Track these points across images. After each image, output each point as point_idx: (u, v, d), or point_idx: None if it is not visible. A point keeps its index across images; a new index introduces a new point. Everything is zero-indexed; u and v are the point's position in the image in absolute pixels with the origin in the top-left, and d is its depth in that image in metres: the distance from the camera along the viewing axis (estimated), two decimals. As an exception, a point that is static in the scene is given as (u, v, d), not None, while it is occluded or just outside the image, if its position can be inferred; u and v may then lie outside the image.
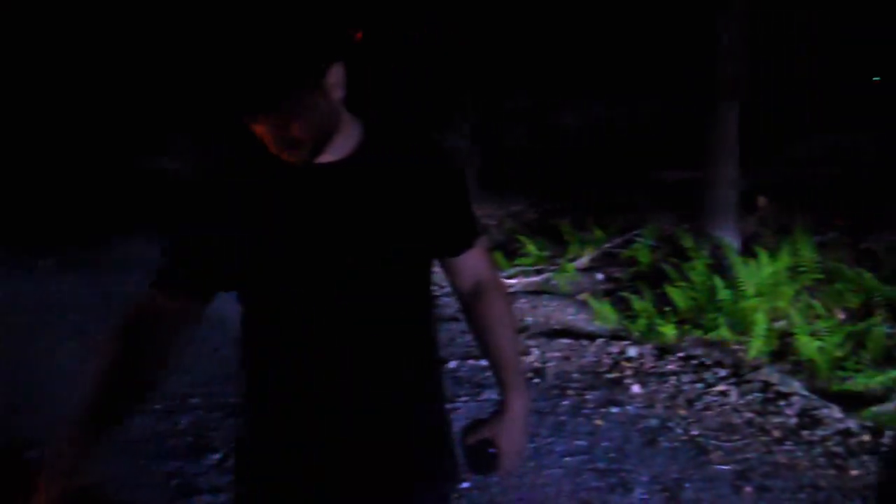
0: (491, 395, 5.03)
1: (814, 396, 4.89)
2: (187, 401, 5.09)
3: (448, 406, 2.08)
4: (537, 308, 6.75)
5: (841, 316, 5.84)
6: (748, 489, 3.95)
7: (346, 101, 1.69)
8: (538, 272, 7.37)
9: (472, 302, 1.98)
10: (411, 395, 1.87)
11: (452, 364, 5.57)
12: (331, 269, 1.72)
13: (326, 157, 1.70)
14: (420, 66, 9.82)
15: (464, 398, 5.04)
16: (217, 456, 4.41)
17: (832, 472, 4.08)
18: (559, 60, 9.80)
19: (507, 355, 1.96)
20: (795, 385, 5.05)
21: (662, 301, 6.29)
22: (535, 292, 7.07)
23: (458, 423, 2.00)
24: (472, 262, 1.96)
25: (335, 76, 1.60)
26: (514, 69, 10.07)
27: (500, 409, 1.93)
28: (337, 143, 1.70)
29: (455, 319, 5.88)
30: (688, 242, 6.87)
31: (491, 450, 1.89)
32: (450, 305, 5.66)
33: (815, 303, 5.88)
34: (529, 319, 6.52)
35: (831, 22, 7.07)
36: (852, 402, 4.77)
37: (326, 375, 1.77)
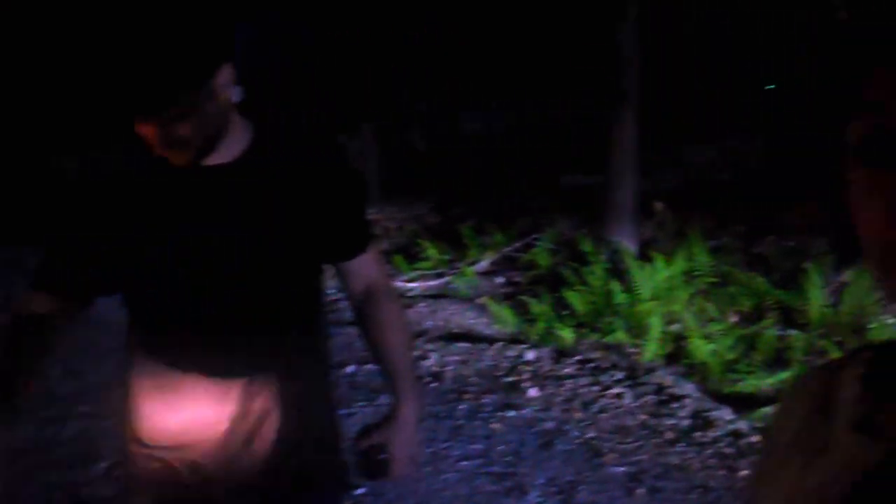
0: (388, 400, 4.95)
1: (706, 398, 4.95)
2: (75, 408, 4.87)
3: (345, 411, 2.08)
4: (437, 312, 6.70)
5: (734, 319, 5.94)
6: (640, 491, 3.97)
7: (241, 103, 1.68)
8: (438, 276, 7.32)
9: (363, 307, 1.96)
10: (299, 400, 1.85)
11: (350, 369, 5.47)
12: (215, 273, 1.70)
13: (214, 159, 1.68)
14: (326, 70, 9.72)
15: (361, 403, 4.95)
16: (104, 465, 4.22)
17: (722, 472, 4.12)
18: (466, 66, 9.81)
19: (399, 360, 1.95)
20: (688, 387, 5.11)
21: (561, 305, 6.31)
22: (435, 296, 7.02)
23: (355, 428, 1.97)
24: (365, 266, 1.94)
25: (223, 77, 1.58)
26: (420, 74, 10.05)
27: (391, 414, 1.91)
28: (225, 144, 1.68)
29: (353, 324, 5.77)
30: (587, 247, 6.91)
31: (383, 455, 1.87)
32: (347, 309, 5.56)
33: (709, 306, 5.96)
34: (429, 323, 6.46)
35: (728, 31, 7.22)
36: (743, 403, 4.84)
37: (213, 379, 1.75)
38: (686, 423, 4.69)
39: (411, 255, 7.67)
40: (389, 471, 1.88)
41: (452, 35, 9.76)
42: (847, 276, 5.95)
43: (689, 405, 4.88)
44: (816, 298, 5.63)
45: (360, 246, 1.92)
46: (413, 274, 7.37)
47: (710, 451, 4.34)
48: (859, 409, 0.78)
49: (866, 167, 0.66)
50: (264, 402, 1.78)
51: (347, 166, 1.86)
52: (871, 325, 5.37)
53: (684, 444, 4.44)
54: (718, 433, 4.52)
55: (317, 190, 1.77)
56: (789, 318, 5.76)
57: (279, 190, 1.73)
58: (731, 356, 5.30)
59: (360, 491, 3.90)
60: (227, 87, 1.59)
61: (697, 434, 4.53)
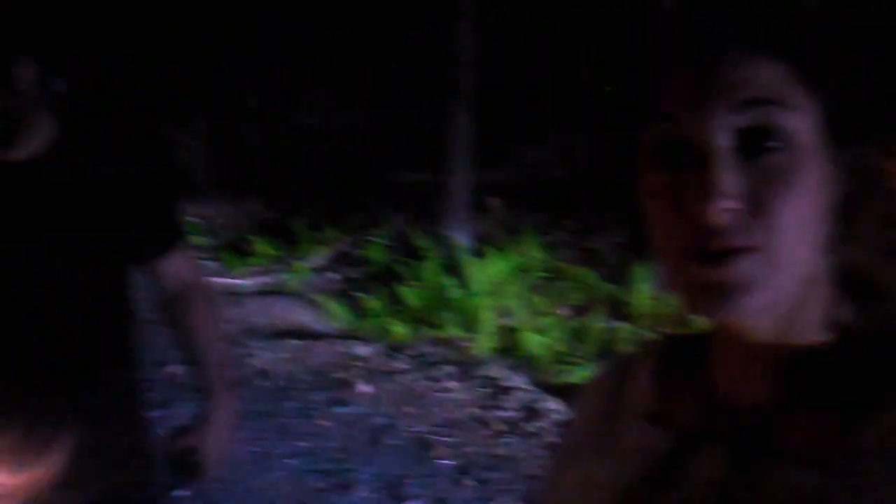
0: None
1: (536, 390, 4.99)
2: None
3: (166, 412, 2.01)
4: (267, 309, 6.50)
5: (564, 312, 6.02)
6: (469, 482, 3.94)
7: (60, 97, 1.67)
8: (270, 272, 7.12)
9: (174, 307, 1.92)
10: (105, 400, 1.78)
11: (172, 368, 5.20)
12: (14, 270, 1.65)
13: (15, 155, 1.63)
14: (155, 63, 9.34)
15: (183, 403, 4.71)
16: None
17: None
18: (301, 61, 9.61)
19: (211, 360, 1.91)
20: (519, 379, 5.14)
21: (395, 300, 6.24)
22: (267, 293, 6.82)
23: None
24: (175, 265, 1.89)
25: (25, 73, 1.55)
26: (253, 67, 9.79)
27: (203, 414, 1.87)
28: (28, 141, 1.63)
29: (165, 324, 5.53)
30: (421, 242, 6.87)
31: (195, 457, 1.84)
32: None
33: (541, 300, 6.04)
34: (259, 320, 6.25)
35: (563, 32, 7.34)
36: (572, 394, 4.88)
37: (13, 379, 1.68)
38: (515, 414, 4.71)
39: (242, 252, 7.43)
40: (202, 472, 1.85)
41: (287, 28, 9.56)
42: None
43: (519, 397, 4.90)
44: (643, 292, 5.77)
45: (169, 244, 1.87)
46: (243, 270, 7.13)
47: (537, 442, 4.36)
48: (649, 400, 0.82)
49: (657, 172, 0.68)
50: (69, 401, 1.71)
51: (158, 162, 1.85)
52: (693, 317, 5.54)
53: (513, 436, 4.45)
54: (546, 424, 4.55)
55: (122, 187, 1.72)
56: (617, 310, 5.89)
57: (82, 186, 1.68)
58: (560, 348, 5.38)
59: (184, 493, 3.71)
60: (29, 83, 1.56)
61: (526, 425, 4.55)
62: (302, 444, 4.37)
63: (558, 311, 6.00)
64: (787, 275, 0.66)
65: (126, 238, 1.75)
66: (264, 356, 5.55)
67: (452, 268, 6.49)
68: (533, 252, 6.59)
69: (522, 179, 8.38)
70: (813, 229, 0.67)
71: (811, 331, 0.71)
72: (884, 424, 0.66)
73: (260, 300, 6.64)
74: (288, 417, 4.69)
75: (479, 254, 6.63)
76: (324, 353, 5.62)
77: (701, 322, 0.83)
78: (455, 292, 6.08)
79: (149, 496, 1.92)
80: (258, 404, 4.77)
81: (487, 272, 6.24)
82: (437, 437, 4.41)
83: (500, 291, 6.11)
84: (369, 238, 7.44)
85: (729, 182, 0.63)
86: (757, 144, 0.64)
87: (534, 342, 5.38)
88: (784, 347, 0.71)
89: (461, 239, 6.98)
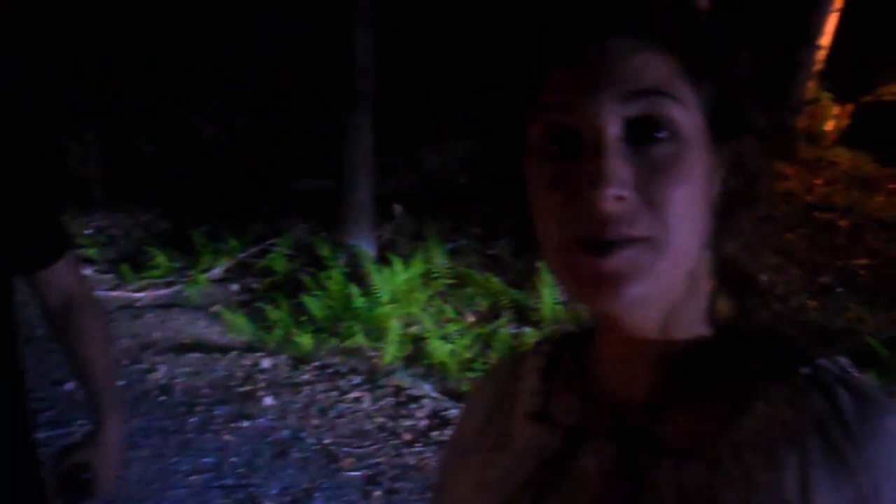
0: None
1: (444, 398, 4.96)
2: None
3: (63, 430, 1.92)
4: (167, 322, 6.31)
5: (471, 319, 6.02)
6: (377, 493, 3.90)
7: None
8: (168, 284, 6.92)
9: (61, 320, 1.83)
10: None
11: (69, 386, 5.01)
12: None
13: None
14: (47, 70, 9.02)
15: (81, 422, 4.53)
16: None
17: (459, 469, 4.12)
18: (200, 67, 9.42)
19: (100, 376, 1.84)
20: (427, 388, 5.10)
21: (299, 311, 6.14)
22: (165, 306, 6.61)
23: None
24: (60, 276, 1.80)
25: None
26: (148, 75, 9.54)
27: (93, 431, 1.81)
28: None
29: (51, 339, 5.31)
30: (324, 251, 6.78)
31: (86, 475, 1.76)
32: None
33: (447, 307, 6.02)
34: (157, 334, 6.06)
35: (460, 35, 7.37)
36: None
37: None
38: (424, 423, 4.67)
39: (139, 264, 7.19)
40: (93, 491, 1.78)
41: (185, 35, 9.36)
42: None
43: (428, 405, 4.87)
44: (548, 296, 5.81)
45: (54, 255, 1.77)
46: (141, 283, 6.91)
47: (447, 450, 4.32)
48: (536, 400, 0.82)
49: (545, 164, 0.69)
50: None
51: (35, 170, 1.76)
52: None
53: (421, 445, 4.41)
54: (455, 431, 4.52)
55: (5, 193, 1.63)
56: (523, 315, 5.92)
57: None
58: (468, 355, 5.37)
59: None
60: None
61: (435, 433, 4.52)
62: (205, 459, 4.24)
63: (465, 318, 6.00)
64: (672, 266, 0.67)
65: (7, 247, 1.66)
66: (165, 371, 5.38)
67: (357, 276, 6.42)
68: (438, 259, 6.57)
69: (425, 186, 8.37)
70: (698, 222, 0.68)
71: (692, 324, 0.73)
72: (759, 415, 0.67)
73: (159, 313, 6.44)
74: (190, 433, 4.55)
75: (383, 262, 6.57)
76: (227, 367, 5.48)
77: (588, 319, 0.84)
78: (360, 301, 6.01)
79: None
80: (159, 420, 4.65)
81: (392, 280, 6.20)
82: (344, 449, 4.34)
83: (406, 299, 6.07)
84: (271, 248, 7.30)
85: (618, 170, 0.64)
86: (645, 134, 0.65)
87: (441, 350, 5.36)
88: (666, 341, 0.73)
89: (365, 247, 6.93)
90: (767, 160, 0.73)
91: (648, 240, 0.65)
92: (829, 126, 8.50)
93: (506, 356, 0.95)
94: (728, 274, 0.74)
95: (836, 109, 8.61)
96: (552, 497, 0.74)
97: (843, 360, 0.69)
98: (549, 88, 0.68)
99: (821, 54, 7.97)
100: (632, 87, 0.65)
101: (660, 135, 0.65)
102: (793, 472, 0.64)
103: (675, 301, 0.71)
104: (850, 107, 8.64)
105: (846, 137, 8.39)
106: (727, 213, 0.71)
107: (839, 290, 5.63)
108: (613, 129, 0.64)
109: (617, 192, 0.63)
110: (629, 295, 0.65)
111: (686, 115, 0.66)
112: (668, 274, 0.67)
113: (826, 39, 7.03)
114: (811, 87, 8.30)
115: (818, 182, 7.64)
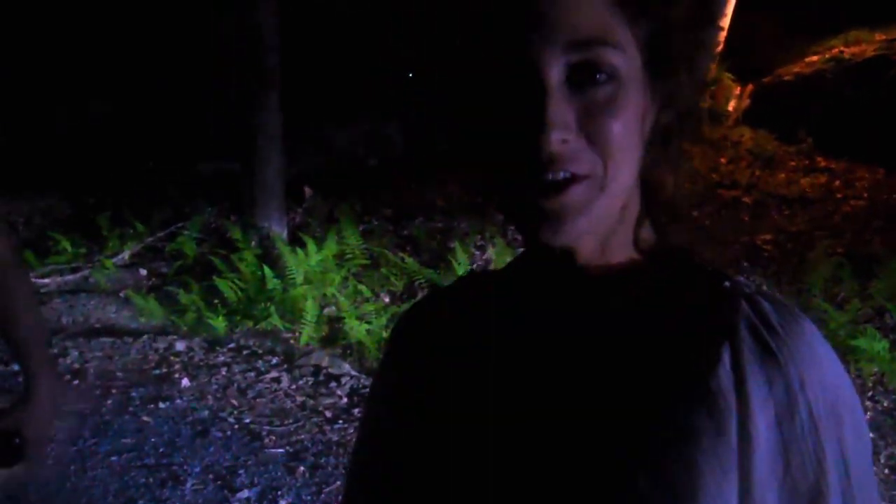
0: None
1: (363, 376, 5.01)
2: None
3: None
4: (75, 307, 6.17)
5: (386, 299, 6.06)
6: (301, 469, 3.91)
7: None
8: (74, 270, 6.75)
9: None
10: None
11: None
12: None
13: None
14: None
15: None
16: None
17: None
18: (96, 46, 9.13)
19: (28, 338, 1.80)
20: (345, 367, 5.13)
21: (212, 294, 6.08)
22: (72, 291, 6.46)
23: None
24: None
25: None
26: (46, 55, 9.22)
27: (24, 395, 1.76)
28: None
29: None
30: (236, 234, 6.72)
31: (16, 440, 1.72)
32: None
33: (362, 287, 6.04)
34: (66, 319, 5.93)
35: (371, 16, 7.33)
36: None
37: None
38: (344, 401, 4.71)
39: (43, 250, 6.99)
40: (23, 456, 1.73)
41: (81, 12, 9.09)
42: (491, 252, 6.31)
43: (347, 383, 4.90)
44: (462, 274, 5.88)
45: None
46: (46, 269, 6.72)
47: (369, 425, 4.37)
48: (448, 341, 0.86)
49: (489, 114, 0.72)
50: None
51: None
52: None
53: (343, 421, 4.45)
54: (376, 407, 4.57)
55: None
56: (438, 294, 5.97)
57: None
58: (385, 334, 5.39)
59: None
60: None
61: (356, 410, 4.56)
62: (125, 440, 4.21)
63: (381, 298, 6.04)
64: (612, 198, 0.72)
65: None
66: (76, 355, 5.28)
67: (269, 259, 6.39)
68: (351, 240, 6.58)
69: (336, 166, 8.34)
70: (634, 156, 0.74)
71: (623, 248, 0.79)
72: (691, 317, 0.75)
73: (67, 299, 6.29)
74: (107, 415, 4.49)
75: (296, 243, 6.55)
76: (140, 350, 5.41)
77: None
78: (274, 283, 5.99)
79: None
80: (74, 404, 4.55)
81: (307, 262, 6.18)
82: (266, 427, 4.34)
83: (320, 281, 6.08)
84: (179, 231, 7.19)
85: (562, 114, 0.68)
86: (586, 77, 0.69)
87: (358, 330, 5.39)
88: (602, 265, 0.77)
89: (277, 229, 6.90)
90: (698, 95, 0.78)
91: (590, 176, 0.69)
92: (731, 106, 8.79)
93: (408, 307, 0.98)
94: (653, 201, 0.79)
95: (737, 90, 8.90)
96: (473, 431, 0.78)
97: (755, 281, 0.77)
98: (492, 38, 0.70)
99: (721, 35, 8.20)
100: (574, 36, 0.68)
101: (600, 77, 0.69)
102: (726, 365, 0.71)
103: (608, 229, 0.75)
104: (750, 87, 8.95)
105: (748, 117, 8.69)
106: (658, 145, 0.76)
107: (745, 264, 5.85)
108: (556, 75, 0.68)
109: (561, 136, 0.67)
110: (576, 229, 0.70)
111: (624, 60, 0.70)
112: (609, 206, 0.72)
113: (725, 21, 7.23)
114: (712, 68, 8.53)
115: (722, 160, 7.91)
